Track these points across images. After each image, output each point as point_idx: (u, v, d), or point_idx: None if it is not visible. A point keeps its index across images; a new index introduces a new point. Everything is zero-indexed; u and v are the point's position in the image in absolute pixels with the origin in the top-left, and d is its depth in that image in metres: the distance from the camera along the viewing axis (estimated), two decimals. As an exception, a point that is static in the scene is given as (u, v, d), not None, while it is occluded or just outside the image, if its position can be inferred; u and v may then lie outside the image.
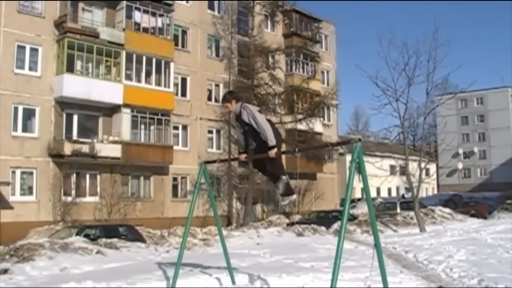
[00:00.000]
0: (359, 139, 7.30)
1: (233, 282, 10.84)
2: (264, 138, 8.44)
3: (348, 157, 48.51)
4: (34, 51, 31.58)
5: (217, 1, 42.65)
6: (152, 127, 36.42)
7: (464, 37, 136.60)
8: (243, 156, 9.23)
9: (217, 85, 41.95)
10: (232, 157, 35.36)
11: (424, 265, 14.11)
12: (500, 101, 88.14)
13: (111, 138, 33.70)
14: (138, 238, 21.95)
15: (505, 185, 72.58)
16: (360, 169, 7.51)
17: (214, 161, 11.76)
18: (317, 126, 43.98)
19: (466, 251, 15.68)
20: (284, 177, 8.73)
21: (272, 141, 8.39)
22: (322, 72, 51.70)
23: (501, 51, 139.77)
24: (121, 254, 17.38)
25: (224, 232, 13.30)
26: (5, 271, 13.16)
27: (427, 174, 45.55)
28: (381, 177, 33.79)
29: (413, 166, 30.58)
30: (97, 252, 17.07)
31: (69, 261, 15.10)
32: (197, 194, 10.42)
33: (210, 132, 41.33)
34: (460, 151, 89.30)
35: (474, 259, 13.93)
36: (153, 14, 36.51)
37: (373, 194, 53.54)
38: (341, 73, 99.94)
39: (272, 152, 8.36)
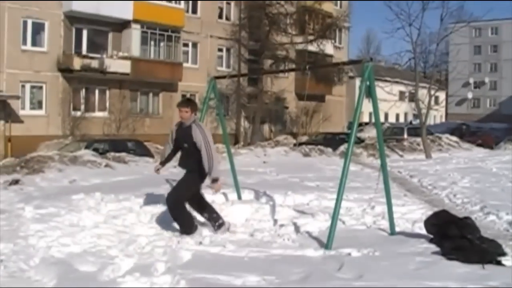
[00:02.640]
0: (371, 59, 7.25)
1: (240, 197, 11.03)
2: (206, 167, 7.89)
3: (358, 82, 48.21)
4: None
5: None
6: (162, 44, 36.18)
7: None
8: (158, 167, 8.66)
9: (228, 3, 41.38)
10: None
11: (428, 190, 14.22)
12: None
13: (120, 54, 33.55)
14: (146, 153, 22.20)
15: (513, 116, 72.36)
16: (370, 89, 7.49)
17: (224, 77, 11.76)
18: (328, 48, 43.63)
19: (470, 178, 15.75)
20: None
21: (216, 173, 7.91)
22: (335, -6, 50.80)
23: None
24: (129, 168, 17.58)
25: (232, 150, 13.39)
26: (16, 182, 13.37)
27: (436, 102, 45.12)
28: (390, 101, 33.72)
29: (422, 93, 30.42)
30: (106, 166, 17.27)
31: (78, 174, 15.30)
32: (206, 110, 10.46)
33: (220, 50, 41.06)
34: (471, 80, 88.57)
35: (478, 187, 14.01)
36: None
37: (381, 118, 53.50)
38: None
39: (217, 186, 8.03)
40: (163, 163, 8.68)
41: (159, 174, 8.87)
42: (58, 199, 10.06)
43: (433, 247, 6.97)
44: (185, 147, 8.20)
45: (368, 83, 7.47)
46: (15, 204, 9.82)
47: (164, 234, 8.29)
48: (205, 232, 8.29)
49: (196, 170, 8.10)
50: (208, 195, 10.83)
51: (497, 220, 9.64)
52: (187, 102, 8.47)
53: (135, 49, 34.27)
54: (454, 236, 6.89)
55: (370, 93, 7.61)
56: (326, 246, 7.18)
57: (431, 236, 7.45)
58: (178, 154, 8.61)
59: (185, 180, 8.30)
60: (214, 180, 7.95)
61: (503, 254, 6.60)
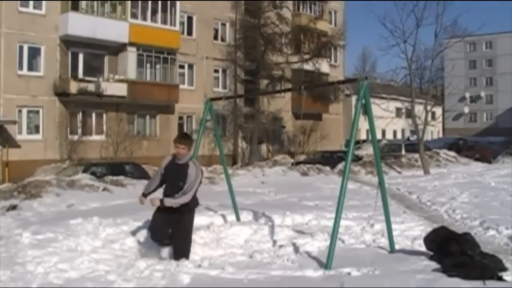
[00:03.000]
0: (366, 77, 7.25)
1: (238, 218, 10.99)
2: (177, 194, 7.67)
3: (354, 99, 48.37)
4: (38, -11, 31.16)
5: None
6: (158, 66, 36.30)
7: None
8: (142, 199, 8.17)
9: (223, 24, 41.54)
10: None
11: (427, 206, 14.21)
12: (509, 46, 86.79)
13: (117, 77, 33.58)
14: (144, 175, 22.14)
15: (510, 130, 72.36)
16: (366, 107, 7.49)
17: (220, 98, 11.81)
18: (323, 66, 43.80)
19: (469, 193, 15.75)
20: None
21: (168, 203, 7.65)
22: (330, 13, 51.03)
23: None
24: (127, 191, 17.54)
25: (229, 171, 13.38)
26: (14, 207, 13.35)
27: (433, 117, 45.24)
28: (387, 118, 33.76)
29: (419, 109, 30.50)
30: (104, 189, 17.25)
31: (76, 198, 15.28)
32: (203, 131, 10.46)
33: (216, 71, 41.15)
34: (467, 95, 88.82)
35: (477, 202, 14.01)
36: (159, -50, 35.85)
37: (378, 135, 53.40)
38: (349, 13, 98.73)
39: (154, 202, 7.72)
40: (146, 195, 8.20)
41: (143, 204, 8.32)
42: (56, 224, 10.02)
43: (434, 264, 6.94)
44: (179, 185, 7.75)
45: (363, 101, 7.48)
46: (12, 230, 9.76)
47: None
48: (203, 254, 8.25)
49: (192, 207, 7.98)
50: (207, 217, 10.82)
51: (497, 235, 9.61)
52: (185, 138, 8.19)
53: (131, 72, 34.33)
54: (454, 252, 6.86)
55: (366, 111, 7.62)
56: (326, 266, 7.14)
57: (431, 253, 7.42)
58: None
59: (185, 225, 7.98)
60: (159, 202, 7.69)
61: (504, 269, 6.57)
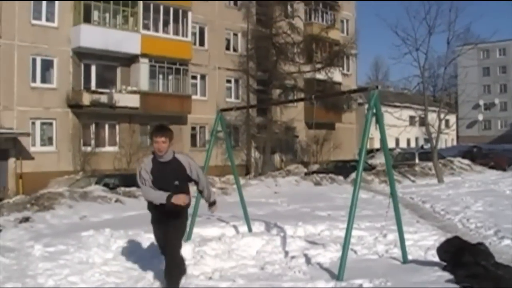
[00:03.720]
0: (377, 86, 7.18)
1: (250, 229, 10.93)
2: (206, 194, 7.05)
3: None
4: (51, 2, 31.19)
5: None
6: (170, 77, 36.36)
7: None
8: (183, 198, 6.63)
9: (235, 34, 41.60)
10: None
11: (441, 215, 14.11)
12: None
13: (129, 88, 33.68)
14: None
15: (525, 137, 71.92)
16: (377, 117, 7.43)
17: (231, 109, 11.76)
18: (336, 75, 43.71)
19: (483, 202, 15.63)
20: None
21: (214, 197, 7.26)
22: (342, 21, 50.95)
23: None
24: (140, 202, 17.49)
25: (242, 181, 13.36)
26: (27, 219, 13.39)
27: (447, 125, 45.02)
28: (400, 127, 33.60)
29: (432, 117, 30.37)
30: (116, 201, 17.29)
31: (88, 210, 15.32)
32: (214, 142, 10.44)
33: (229, 81, 41.16)
34: (481, 102, 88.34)
35: (491, 210, 13.89)
36: (170, -38, 36.02)
37: (392, 144, 53.13)
38: (360, 22, 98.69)
39: (216, 207, 7.18)
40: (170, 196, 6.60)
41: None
42: (68, 236, 10.05)
43: (447, 275, 6.85)
44: (175, 185, 6.68)
45: (374, 110, 7.42)
46: (24, 242, 9.81)
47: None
48: (215, 266, 8.20)
49: (186, 210, 7.00)
50: (218, 228, 10.77)
51: (512, 245, 9.48)
52: (164, 129, 6.92)
53: (144, 83, 34.43)
54: (468, 263, 6.77)
55: (377, 120, 7.55)
56: (338, 277, 7.07)
57: (445, 263, 7.33)
58: None
59: (179, 228, 6.95)
60: (213, 203, 7.14)
61: (519, 280, 6.45)
